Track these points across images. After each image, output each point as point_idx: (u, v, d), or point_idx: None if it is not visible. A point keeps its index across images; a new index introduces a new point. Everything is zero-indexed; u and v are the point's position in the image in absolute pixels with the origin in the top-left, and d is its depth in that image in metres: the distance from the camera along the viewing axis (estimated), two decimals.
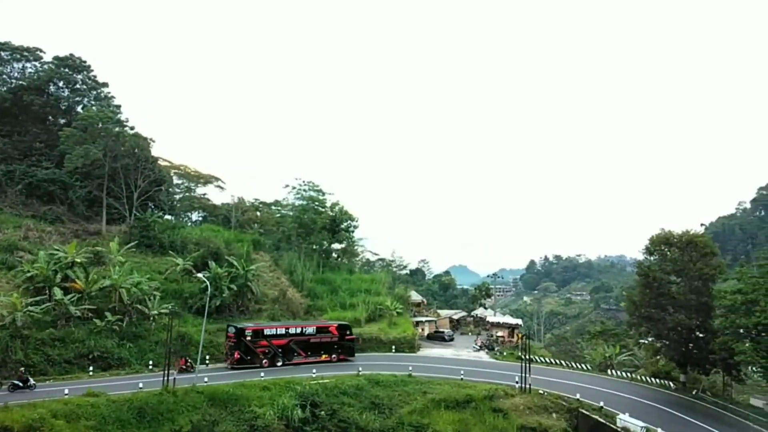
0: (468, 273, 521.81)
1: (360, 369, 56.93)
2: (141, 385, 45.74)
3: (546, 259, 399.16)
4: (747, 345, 52.17)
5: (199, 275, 63.48)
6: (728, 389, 63.66)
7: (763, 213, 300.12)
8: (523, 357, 56.47)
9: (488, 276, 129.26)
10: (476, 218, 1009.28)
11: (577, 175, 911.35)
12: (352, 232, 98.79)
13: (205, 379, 49.14)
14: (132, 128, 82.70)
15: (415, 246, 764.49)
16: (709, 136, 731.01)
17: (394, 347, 68.59)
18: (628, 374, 67.54)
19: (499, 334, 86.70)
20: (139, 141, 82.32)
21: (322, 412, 46.74)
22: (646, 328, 64.40)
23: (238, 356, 57.46)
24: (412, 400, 50.59)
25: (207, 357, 58.43)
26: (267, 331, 59.99)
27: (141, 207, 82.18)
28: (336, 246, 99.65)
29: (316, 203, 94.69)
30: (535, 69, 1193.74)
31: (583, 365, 72.42)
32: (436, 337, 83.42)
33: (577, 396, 51.77)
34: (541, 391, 53.16)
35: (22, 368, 46.90)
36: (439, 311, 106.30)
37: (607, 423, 46.81)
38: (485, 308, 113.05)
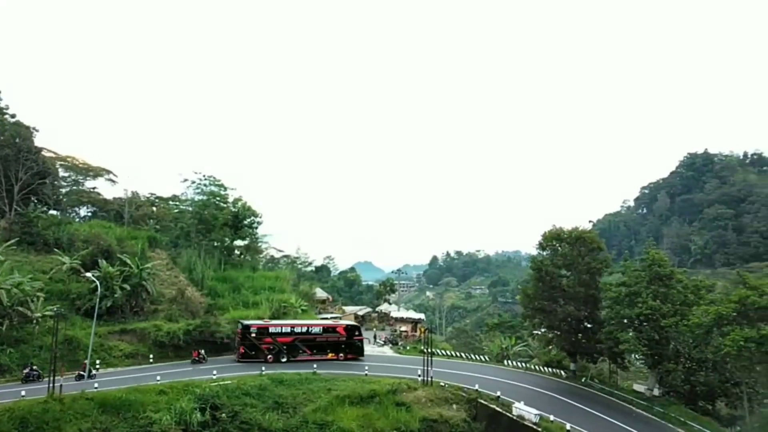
0: (373, 269, 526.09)
1: (367, 369, 57.83)
2: (23, 393, 42.08)
3: (448, 254, 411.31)
4: (630, 334, 56.39)
5: (88, 275, 59.34)
6: (614, 376, 68.54)
7: (644, 211, 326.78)
8: (425, 351, 57.71)
9: (393, 272, 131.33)
10: (381, 214, 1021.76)
11: (478, 172, 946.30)
12: (256, 228, 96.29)
13: (96, 385, 46.03)
14: (13, 116, 76.01)
15: (320, 242, 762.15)
16: (598, 137, 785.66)
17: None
18: (523, 364, 70.91)
19: (403, 328, 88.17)
20: (21, 130, 75.63)
21: (223, 415, 45.18)
22: (539, 320, 67.80)
23: (243, 351, 61.13)
24: (317, 397, 50.03)
25: (98, 362, 54.71)
26: (272, 329, 62.64)
27: (23, 201, 75.58)
28: (239, 243, 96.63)
29: (218, 198, 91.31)
30: (433, 66, 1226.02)
31: (482, 357, 75.17)
32: None
33: (476, 387, 53.57)
34: (442, 384, 54.48)
35: None
36: (344, 308, 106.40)
37: (504, 412, 48.82)
38: (389, 304, 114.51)
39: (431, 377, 54.62)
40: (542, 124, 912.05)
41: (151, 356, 59.11)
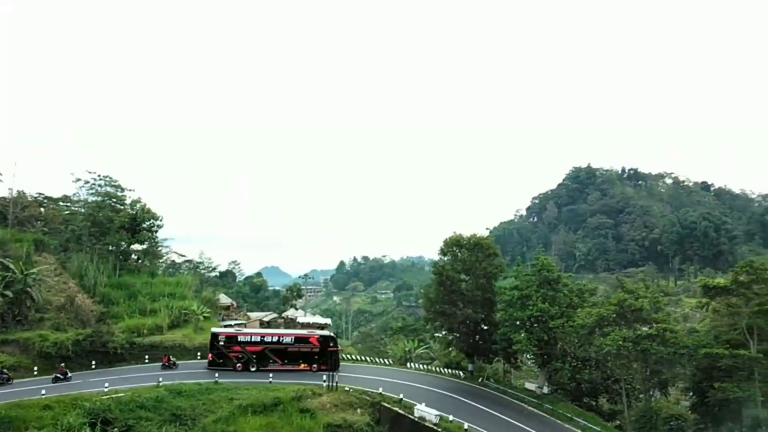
0: (280, 274, 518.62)
1: (272, 376, 57.19)
2: None
3: (355, 259, 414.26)
4: (522, 335, 59.75)
5: None
6: (508, 375, 72.30)
7: (535, 219, 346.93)
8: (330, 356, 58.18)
9: (300, 277, 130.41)
10: (289, 219, 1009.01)
11: (384, 179, 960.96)
12: (156, 231, 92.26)
13: None
14: None
15: (225, 247, 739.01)
16: (496, 149, 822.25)
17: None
18: (425, 366, 73.08)
19: None
20: None
21: (115, 430, 43.42)
22: (440, 323, 70.16)
23: (211, 358, 61.08)
24: (218, 408, 49.09)
25: None
26: (241, 338, 62.31)
27: None
28: (136, 247, 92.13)
29: (114, 200, 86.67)
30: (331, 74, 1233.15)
31: (386, 360, 76.60)
32: None
33: (380, 390, 54.72)
34: (347, 388, 55.11)
35: None
36: (249, 314, 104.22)
37: (406, 414, 50.31)
38: (296, 309, 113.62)
39: (337, 382, 55.13)
40: (443, 134, 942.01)
41: (35, 368, 55.37)
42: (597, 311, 56.27)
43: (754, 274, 53.75)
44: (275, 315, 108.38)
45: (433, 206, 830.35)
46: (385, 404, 52.56)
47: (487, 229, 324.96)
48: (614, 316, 55.20)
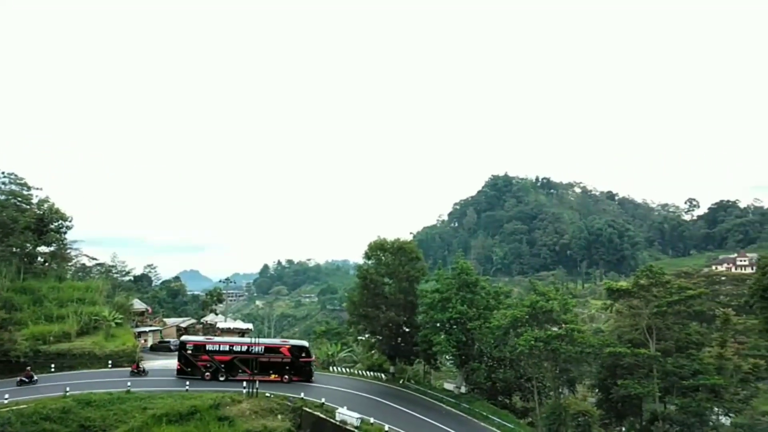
0: (200, 278, 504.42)
1: (188, 384, 54.81)
2: None
3: (279, 263, 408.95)
4: (442, 337, 61.47)
5: None
6: (428, 376, 74.07)
7: (456, 224, 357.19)
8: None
9: (221, 281, 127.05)
10: (210, 221, 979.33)
11: (309, 182, 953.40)
12: (65, 233, 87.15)
13: None
14: None
15: (141, 250, 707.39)
16: (420, 156, 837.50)
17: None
18: (348, 369, 73.53)
19: None
20: None
21: None
22: (363, 326, 70.84)
23: (179, 367, 60.20)
24: (130, 418, 47.21)
25: None
26: (209, 347, 61.01)
27: None
28: (43, 249, 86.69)
29: (19, 198, 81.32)
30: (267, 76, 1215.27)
31: None
32: (162, 348, 78.88)
33: (302, 395, 54.60)
34: (267, 394, 54.52)
35: None
36: (165, 320, 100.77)
37: (328, 418, 50.48)
38: (216, 314, 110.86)
39: (257, 388, 54.52)
40: (369, 139, 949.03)
41: None
42: (511, 313, 58.91)
43: (653, 278, 58.25)
44: (194, 321, 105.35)
45: (358, 210, 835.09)
46: (307, 409, 52.51)
47: (410, 233, 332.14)
48: (527, 317, 57.97)
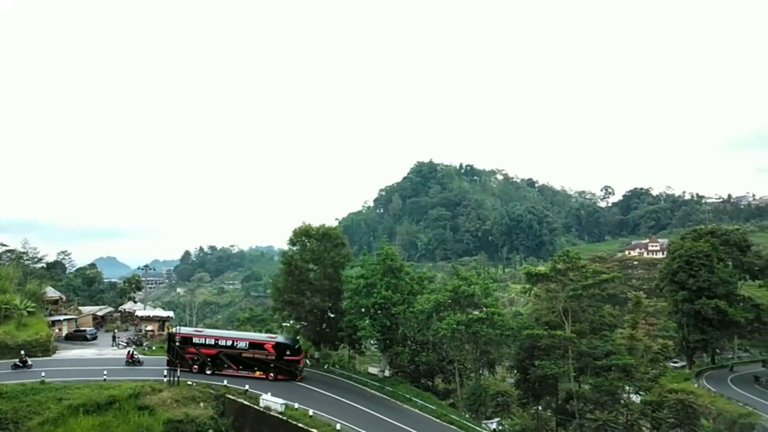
0: (117, 265, 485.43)
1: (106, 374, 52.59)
2: None
3: (201, 249, 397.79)
4: (367, 322, 61.98)
5: None
6: (353, 361, 74.54)
7: (382, 210, 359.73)
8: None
9: (139, 268, 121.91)
10: (128, 206, 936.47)
11: (232, 167, 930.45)
12: None
13: None
14: None
15: (54, 236, 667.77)
16: (345, 141, 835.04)
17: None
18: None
19: (149, 328, 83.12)
20: None
21: None
22: (288, 312, 70.15)
23: (168, 359, 57.08)
24: (45, 409, 44.99)
25: None
26: (196, 340, 59.18)
27: None
28: None
29: None
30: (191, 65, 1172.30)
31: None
32: (77, 337, 75.42)
33: (225, 382, 53.62)
34: (189, 382, 53.21)
35: None
36: (81, 308, 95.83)
37: (251, 405, 49.89)
38: (135, 302, 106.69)
39: (178, 377, 53.07)
40: (294, 125, 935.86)
41: None
42: (435, 297, 60.19)
43: (570, 263, 61.01)
44: (111, 309, 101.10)
45: (283, 196, 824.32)
46: (230, 396, 51.66)
47: (336, 219, 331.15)
48: (450, 301, 59.43)
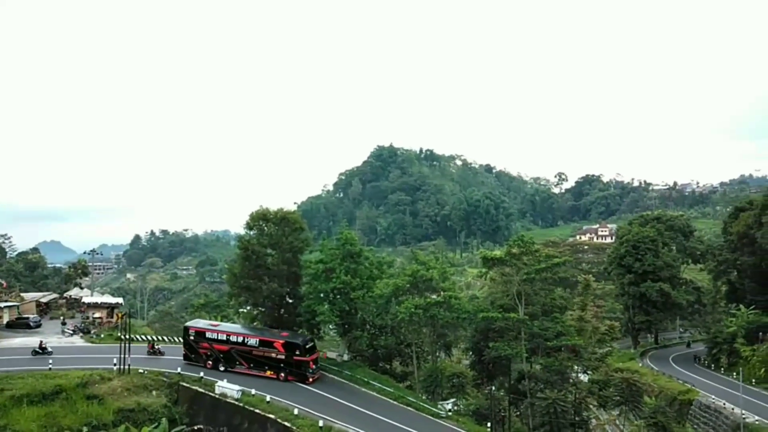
0: (62, 250, 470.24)
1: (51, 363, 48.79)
2: None
3: (152, 233, 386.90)
4: (326, 307, 61.88)
5: None
6: None
7: (341, 195, 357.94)
8: (122, 337, 54.40)
9: (86, 253, 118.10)
10: (73, 187, 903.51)
11: (185, 147, 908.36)
12: None
13: None
14: None
15: None
16: (305, 123, 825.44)
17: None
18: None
19: (97, 315, 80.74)
20: None
21: None
22: (245, 298, 69.14)
23: (184, 352, 58.07)
24: None
25: None
26: (209, 334, 57.86)
27: None
28: None
29: None
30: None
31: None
32: (20, 325, 72.64)
33: (178, 370, 52.76)
34: (141, 371, 52.28)
35: None
36: (23, 294, 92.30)
37: (207, 392, 49.33)
38: (82, 288, 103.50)
39: (129, 365, 51.84)
40: (253, 104, 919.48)
41: None
42: (393, 282, 60.46)
43: (524, 247, 62.08)
44: (56, 295, 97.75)
45: (240, 179, 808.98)
46: (184, 384, 50.98)
47: (295, 203, 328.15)
48: (408, 286, 59.82)
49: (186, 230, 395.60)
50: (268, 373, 55.68)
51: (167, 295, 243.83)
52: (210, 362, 57.09)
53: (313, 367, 56.10)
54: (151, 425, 41.84)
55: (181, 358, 58.11)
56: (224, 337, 57.46)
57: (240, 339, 57.23)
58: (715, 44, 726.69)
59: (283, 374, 55.39)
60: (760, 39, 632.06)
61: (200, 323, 62.47)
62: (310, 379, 54.93)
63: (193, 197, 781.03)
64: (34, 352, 56.20)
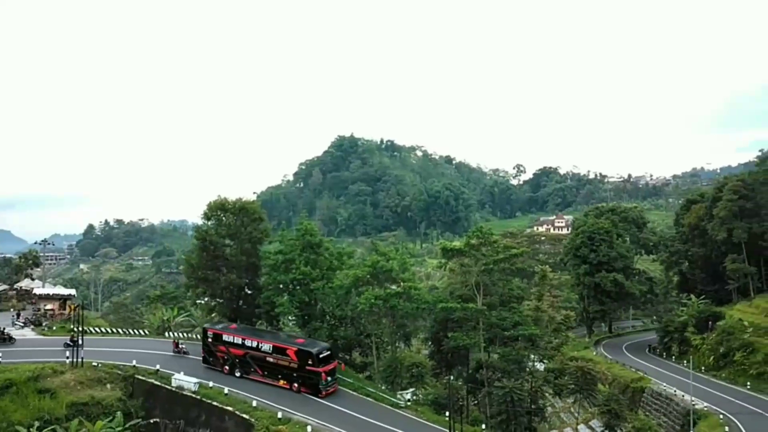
0: (12, 239, 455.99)
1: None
2: None
3: (107, 223, 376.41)
4: (285, 298, 61.61)
5: None
6: None
7: (302, 185, 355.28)
8: (75, 330, 53.00)
9: (37, 242, 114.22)
10: (24, 175, 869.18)
11: (143, 133, 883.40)
12: None
13: None
14: None
15: None
16: (264, 113, 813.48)
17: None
18: (186, 335, 70.88)
19: (49, 307, 78.28)
20: None
21: None
22: (202, 289, 68.36)
23: (203, 355, 55.74)
24: None
25: None
26: (225, 337, 54.58)
27: None
28: None
29: None
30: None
31: (142, 330, 72.37)
32: None
33: (134, 363, 51.73)
34: (95, 363, 51.09)
35: None
36: None
37: (163, 385, 48.60)
38: (33, 279, 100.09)
39: (82, 358, 50.58)
40: (211, 90, 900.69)
41: None
42: (353, 273, 60.56)
43: (483, 238, 62.97)
44: (6, 286, 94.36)
45: (199, 168, 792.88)
46: (140, 377, 50.08)
47: (254, 193, 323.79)
48: (368, 277, 59.99)
49: (142, 220, 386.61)
50: (281, 382, 51.17)
51: (122, 287, 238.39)
52: (227, 367, 53.91)
53: (327, 379, 50.22)
54: (106, 419, 40.88)
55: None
56: (240, 341, 53.70)
57: (254, 344, 53.17)
58: (672, 38, 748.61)
59: (296, 385, 50.46)
60: (718, 33, 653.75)
61: (217, 326, 57.77)
62: (323, 393, 49.60)
63: (150, 186, 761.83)
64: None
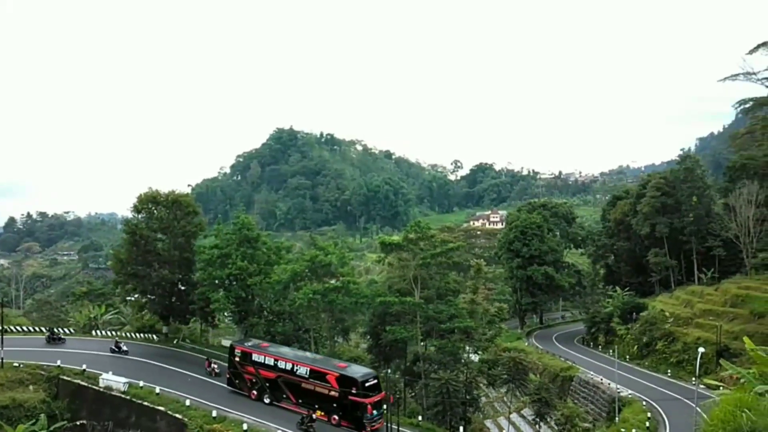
0: None
1: None
2: None
3: (29, 216, 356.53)
4: (221, 294, 60.38)
5: None
6: (205, 335, 72.26)
7: (239, 177, 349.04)
8: None
9: None
10: None
11: (66, 120, 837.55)
12: None
13: None
14: None
15: None
16: (202, 102, 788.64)
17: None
18: (114, 333, 68.31)
19: None
20: None
21: None
22: (132, 285, 65.94)
23: (228, 376, 50.05)
24: None
25: None
26: (255, 357, 48.28)
27: None
28: None
29: None
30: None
31: (68, 329, 69.21)
32: None
33: (58, 363, 49.50)
34: (16, 364, 48.70)
35: None
36: None
37: (90, 385, 46.81)
38: None
39: (2, 358, 48.07)
40: (142, 76, 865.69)
41: None
42: (292, 267, 60.14)
43: (420, 233, 63.70)
44: None
45: (130, 158, 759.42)
46: (65, 377, 48.02)
47: (189, 185, 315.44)
48: (307, 271, 59.76)
49: (67, 213, 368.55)
50: (318, 413, 43.91)
51: (46, 283, 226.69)
52: (255, 392, 48.13)
53: (373, 412, 43.07)
54: (28, 422, 38.93)
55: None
56: (271, 362, 47.40)
57: (289, 366, 46.63)
58: (608, 36, 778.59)
59: (335, 417, 43.75)
60: (651, 29, 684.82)
61: (247, 344, 51.41)
62: (368, 429, 42.66)
63: (77, 177, 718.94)
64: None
